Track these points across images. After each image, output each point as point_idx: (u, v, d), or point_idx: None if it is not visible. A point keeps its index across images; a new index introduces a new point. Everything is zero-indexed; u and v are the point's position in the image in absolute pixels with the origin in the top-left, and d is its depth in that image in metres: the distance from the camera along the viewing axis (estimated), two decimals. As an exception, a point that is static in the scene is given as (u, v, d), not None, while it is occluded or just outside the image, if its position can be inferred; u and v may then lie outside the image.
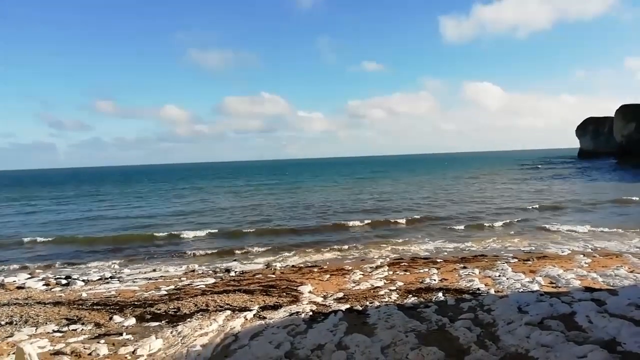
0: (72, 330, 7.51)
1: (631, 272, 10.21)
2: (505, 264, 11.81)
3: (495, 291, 8.92)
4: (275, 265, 13.71)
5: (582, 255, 12.83)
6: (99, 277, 13.01)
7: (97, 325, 7.75)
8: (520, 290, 8.83)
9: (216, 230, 21.62)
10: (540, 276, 10.10)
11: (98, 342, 6.74)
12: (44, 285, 12.10)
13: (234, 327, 7.22)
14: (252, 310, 8.20)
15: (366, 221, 22.67)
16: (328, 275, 11.57)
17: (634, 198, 26.22)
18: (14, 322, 7.98)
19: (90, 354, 6.31)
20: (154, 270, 13.85)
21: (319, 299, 8.99)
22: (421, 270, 11.65)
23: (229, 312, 8.10)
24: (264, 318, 7.68)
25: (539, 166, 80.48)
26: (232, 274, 12.69)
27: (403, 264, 12.87)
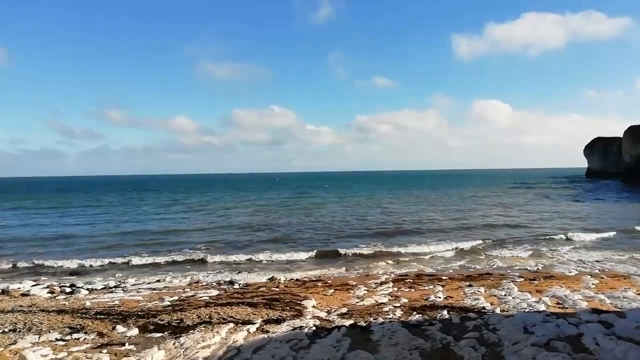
0: (75, 339, 7.50)
1: (639, 294, 10.07)
2: (512, 283, 11.69)
3: (500, 310, 8.82)
4: (279, 279, 13.66)
5: (589, 276, 12.68)
6: (103, 286, 13.04)
7: (100, 334, 7.74)
8: (526, 310, 8.72)
9: (221, 243, 21.67)
10: (546, 296, 9.98)
11: (100, 352, 6.73)
12: (48, 293, 12.13)
13: (237, 340, 7.18)
14: (255, 323, 8.15)
15: (372, 237, 22.64)
16: (332, 290, 11.51)
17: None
18: (18, 330, 7.98)
19: (92, 364, 6.29)
20: (159, 281, 13.86)
21: (323, 314, 8.93)
22: (426, 287, 11.56)
23: (232, 324, 8.06)
24: (267, 332, 7.64)
25: (560, 185, 79.80)
26: (236, 286, 12.66)
27: (408, 280, 12.79)
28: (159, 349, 6.79)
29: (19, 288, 12.80)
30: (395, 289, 11.55)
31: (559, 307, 9.06)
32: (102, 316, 8.97)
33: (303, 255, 18.01)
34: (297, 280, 13.51)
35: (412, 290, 11.35)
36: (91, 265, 16.77)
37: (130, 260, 17.50)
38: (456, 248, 19.17)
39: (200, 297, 10.99)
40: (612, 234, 21.96)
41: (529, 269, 14.57)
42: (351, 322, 8.19)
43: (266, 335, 7.41)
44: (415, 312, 8.79)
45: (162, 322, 8.38)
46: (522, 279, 12.40)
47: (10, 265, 16.87)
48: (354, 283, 12.54)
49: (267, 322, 8.30)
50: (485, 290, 10.86)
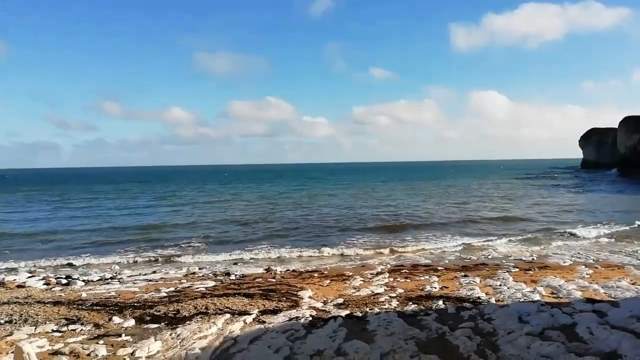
0: (72, 330, 7.51)
1: (633, 284, 10.16)
2: (506, 273, 11.77)
3: (495, 300, 8.88)
4: (276, 270, 13.68)
5: (583, 266, 12.77)
6: (100, 278, 13.01)
7: (97, 325, 7.75)
8: (521, 300, 8.79)
9: (217, 234, 21.68)
10: (541, 286, 10.06)
11: (97, 343, 6.73)
12: (44, 284, 12.10)
13: (234, 331, 7.20)
14: (251, 314, 8.18)
15: (368, 228, 22.70)
16: (328, 281, 11.54)
17: (636, 210, 26.13)
18: (14, 321, 7.98)
19: (89, 355, 6.30)
20: (155, 272, 13.85)
21: (319, 305, 8.97)
22: (422, 278, 11.61)
23: (228, 315, 8.08)
24: (264, 322, 7.66)
25: (555, 175, 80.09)
26: (233, 277, 12.67)
27: (404, 270, 12.84)
28: (155, 340, 6.81)
29: (14, 280, 12.76)
30: (391, 279, 11.60)
31: (554, 297, 9.14)
32: (98, 307, 8.97)
33: (299, 247, 18.04)
34: (293, 271, 13.53)
35: (408, 280, 11.40)
36: (87, 257, 16.71)
37: (126, 253, 17.49)
38: (452, 239, 19.25)
39: (197, 288, 11.00)
40: (605, 224, 22.10)
41: (524, 259, 14.66)
42: (347, 312, 8.23)
43: (262, 326, 7.43)
44: (411, 302, 8.84)
45: (158, 313, 8.40)
46: (517, 269, 12.48)
47: (5, 257, 16.80)
48: (350, 274, 12.58)
49: (264, 312, 8.33)
50: (480, 281, 10.92)
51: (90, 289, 11.20)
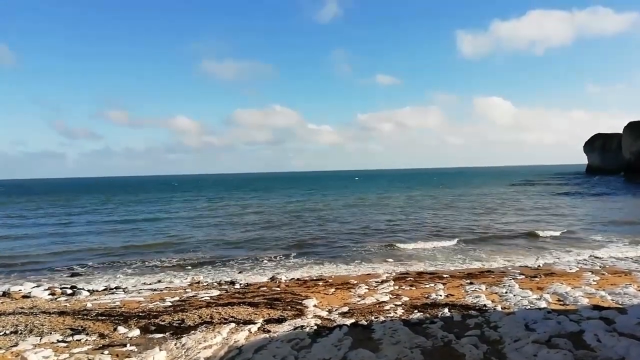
0: (77, 340, 7.50)
1: (640, 290, 10.07)
2: (512, 281, 11.70)
3: (502, 308, 8.82)
4: (280, 278, 13.66)
5: (590, 273, 12.68)
6: (104, 288, 13.04)
7: (102, 335, 7.74)
8: (527, 308, 8.73)
9: (222, 244, 21.70)
10: (547, 293, 9.99)
11: (102, 353, 6.73)
12: (49, 294, 12.13)
13: (238, 340, 7.18)
14: (256, 323, 8.15)
15: (372, 236, 22.63)
16: (333, 289, 11.51)
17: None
18: (19, 332, 7.98)
19: (94, 365, 6.29)
20: (159, 282, 13.86)
21: (324, 313, 8.93)
22: (427, 286, 11.56)
23: (233, 324, 8.06)
24: (269, 331, 7.64)
25: (563, 182, 79.49)
26: (237, 286, 12.66)
27: (409, 278, 12.79)
28: (160, 350, 6.79)
29: (20, 290, 12.80)
30: (396, 287, 11.55)
31: (560, 304, 9.06)
32: (103, 317, 8.97)
33: (304, 256, 18.03)
34: (298, 279, 13.51)
35: (413, 288, 11.35)
36: (92, 268, 16.76)
37: (131, 263, 17.51)
38: (457, 246, 19.19)
39: (202, 297, 10.99)
40: (611, 230, 21.95)
41: (530, 266, 14.57)
42: (352, 321, 8.19)
43: (267, 335, 7.41)
44: (416, 311, 8.79)
45: (163, 323, 8.38)
46: (523, 276, 12.41)
47: (10, 268, 16.87)
48: (355, 282, 12.54)
49: (269, 321, 8.30)
50: (486, 288, 10.86)
51: (95, 299, 11.21)
